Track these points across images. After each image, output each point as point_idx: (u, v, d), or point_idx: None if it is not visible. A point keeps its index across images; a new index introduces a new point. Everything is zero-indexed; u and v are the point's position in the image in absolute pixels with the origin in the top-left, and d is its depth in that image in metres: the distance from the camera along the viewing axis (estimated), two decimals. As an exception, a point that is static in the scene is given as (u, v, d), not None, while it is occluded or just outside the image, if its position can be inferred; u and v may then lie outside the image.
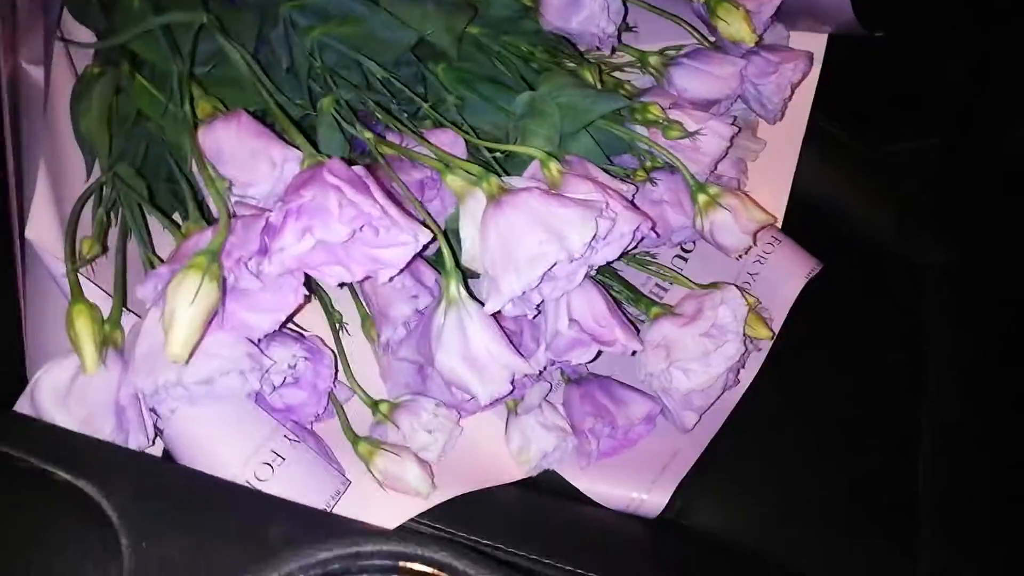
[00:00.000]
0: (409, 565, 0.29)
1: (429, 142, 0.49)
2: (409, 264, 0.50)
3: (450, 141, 0.52)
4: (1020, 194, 0.71)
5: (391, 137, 0.51)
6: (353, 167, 0.41)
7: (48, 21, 0.59)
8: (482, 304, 0.45)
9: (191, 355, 0.35)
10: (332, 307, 0.54)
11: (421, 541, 0.30)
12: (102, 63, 0.54)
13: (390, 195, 0.41)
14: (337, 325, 0.54)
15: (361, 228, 0.38)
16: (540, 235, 0.41)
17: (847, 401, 0.64)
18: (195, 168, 0.42)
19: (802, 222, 0.67)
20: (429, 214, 0.47)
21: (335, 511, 0.45)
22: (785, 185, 0.67)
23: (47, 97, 0.55)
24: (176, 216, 0.53)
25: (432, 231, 0.42)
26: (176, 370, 0.38)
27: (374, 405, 0.52)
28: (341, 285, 0.41)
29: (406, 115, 0.54)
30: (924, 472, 0.63)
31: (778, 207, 0.67)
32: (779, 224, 0.66)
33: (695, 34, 0.60)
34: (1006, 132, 0.75)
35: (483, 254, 0.43)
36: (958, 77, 0.77)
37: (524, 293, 0.42)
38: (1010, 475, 0.63)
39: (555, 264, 0.41)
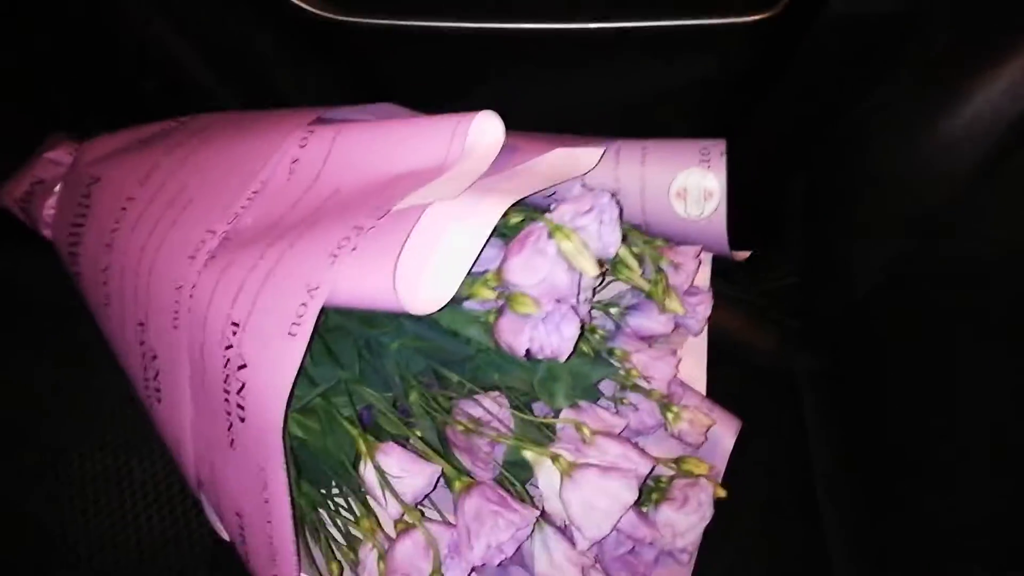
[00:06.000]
0: None
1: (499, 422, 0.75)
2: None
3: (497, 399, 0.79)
4: (861, 316, 1.04)
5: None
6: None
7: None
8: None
9: None
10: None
11: None
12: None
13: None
14: None
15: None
16: (606, 501, 0.68)
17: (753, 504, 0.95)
18: None
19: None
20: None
21: None
22: (702, 353, 0.97)
23: None
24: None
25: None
26: None
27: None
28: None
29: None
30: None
31: (700, 371, 0.96)
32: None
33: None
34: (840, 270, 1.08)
35: (567, 511, 0.69)
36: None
37: (598, 534, 0.69)
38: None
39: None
